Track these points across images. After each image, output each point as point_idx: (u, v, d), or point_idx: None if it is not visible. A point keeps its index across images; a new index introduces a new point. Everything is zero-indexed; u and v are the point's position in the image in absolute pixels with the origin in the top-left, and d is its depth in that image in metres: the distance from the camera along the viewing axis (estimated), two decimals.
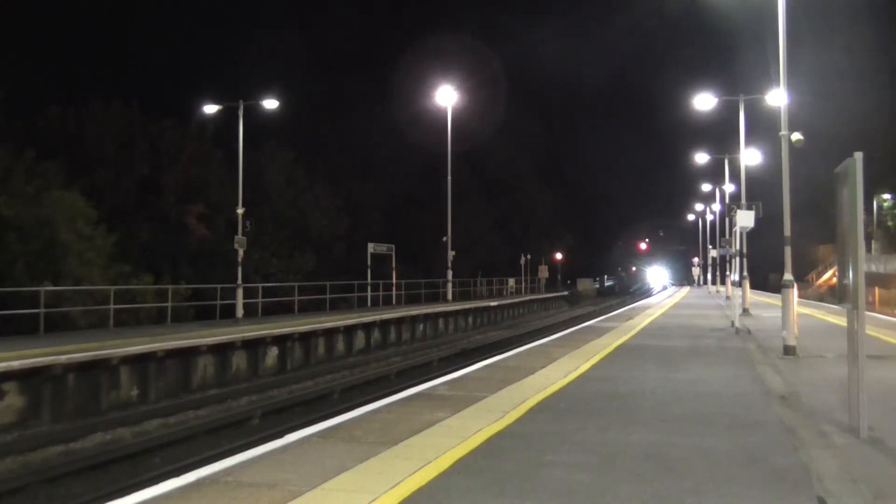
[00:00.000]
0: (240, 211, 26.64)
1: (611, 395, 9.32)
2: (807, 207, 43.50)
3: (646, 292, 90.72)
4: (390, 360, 23.07)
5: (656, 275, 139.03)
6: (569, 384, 10.12)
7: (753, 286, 32.26)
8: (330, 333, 22.85)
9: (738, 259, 30.04)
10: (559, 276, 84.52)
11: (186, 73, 62.63)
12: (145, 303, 26.54)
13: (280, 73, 56.59)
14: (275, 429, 12.52)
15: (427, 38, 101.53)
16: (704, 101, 27.34)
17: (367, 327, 25.14)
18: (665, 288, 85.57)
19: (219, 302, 25.95)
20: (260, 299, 28.06)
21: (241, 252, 26.50)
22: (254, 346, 19.21)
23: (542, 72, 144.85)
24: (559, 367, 11.79)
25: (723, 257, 49.01)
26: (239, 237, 26.54)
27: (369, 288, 35.51)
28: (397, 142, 55.50)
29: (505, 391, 9.52)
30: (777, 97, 15.78)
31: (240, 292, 26.21)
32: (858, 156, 6.77)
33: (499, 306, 41.23)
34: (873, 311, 28.13)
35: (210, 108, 27.83)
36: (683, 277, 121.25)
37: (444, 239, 37.28)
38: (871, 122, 48.65)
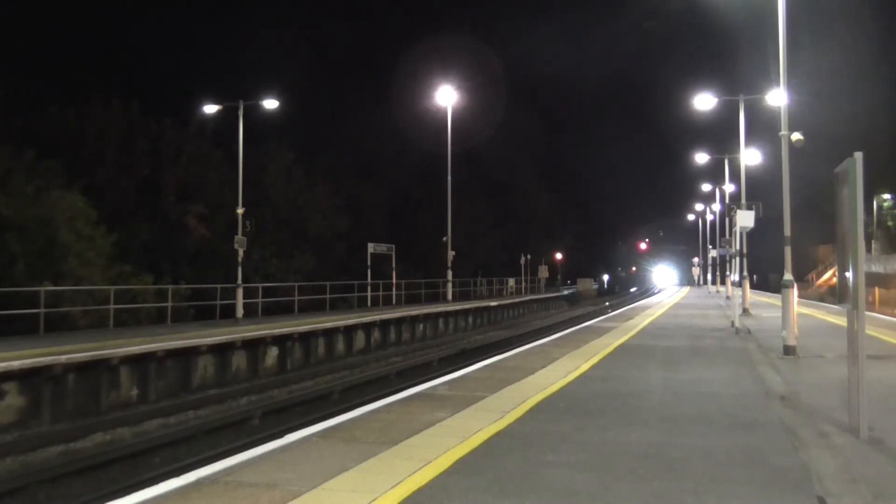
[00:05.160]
0: (240, 211, 26.64)
1: (611, 394, 9.32)
2: (807, 207, 43.54)
3: (646, 292, 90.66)
4: (390, 360, 23.07)
5: (661, 275, 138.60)
6: (569, 384, 10.11)
7: (753, 286, 32.29)
8: (330, 333, 22.85)
9: (738, 259, 30.02)
10: (559, 276, 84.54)
11: (186, 73, 62.68)
12: (145, 303, 26.54)
13: (280, 74, 56.60)
14: (275, 429, 12.52)
15: (427, 38, 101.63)
16: (704, 101, 27.32)
17: (367, 327, 25.14)
18: (663, 290, 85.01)
19: (219, 302, 25.94)
20: (260, 299, 28.06)
21: (241, 252, 26.49)
22: (254, 346, 19.21)
23: (542, 72, 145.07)
24: (559, 367, 11.79)
25: (723, 257, 49.00)
26: (239, 237, 26.53)
27: (369, 288, 35.51)
28: (397, 142, 55.57)
29: (505, 391, 9.52)
30: (777, 97, 15.78)
31: (240, 292, 26.21)
32: (858, 156, 6.77)
33: (499, 306, 41.23)
34: (873, 311, 28.12)
35: (210, 108, 27.80)
36: (683, 277, 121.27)
37: (444, 239, 37.28)
38: (871, 122, 48.70)
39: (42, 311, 18.98)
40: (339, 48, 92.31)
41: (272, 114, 28.88)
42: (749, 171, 30.90)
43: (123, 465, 10.89)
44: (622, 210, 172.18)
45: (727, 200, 40.13)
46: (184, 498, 5.21)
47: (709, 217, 67.76)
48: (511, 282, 55.53)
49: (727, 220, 34.73)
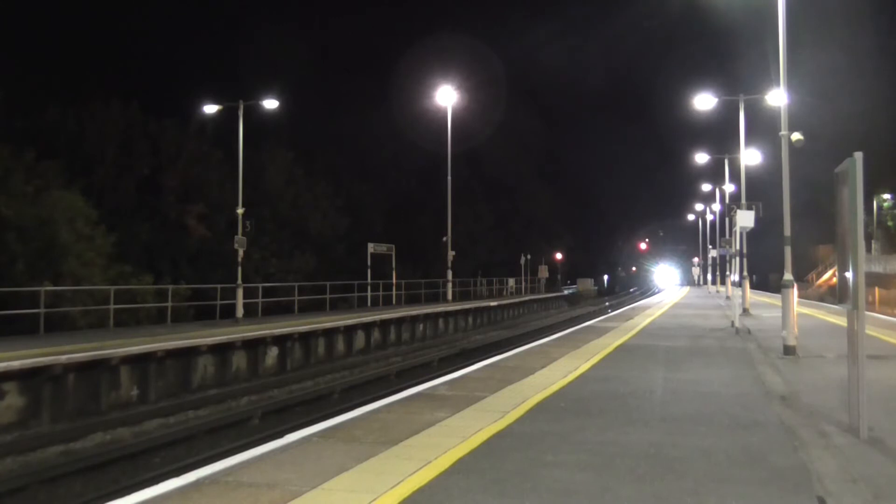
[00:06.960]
0: (240, 211, 26.62)
1: (611, 395, 9.32)
2: (807, 208, 43.58)
3: (646, 292, 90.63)
4: (390, 360, 23.06)
5: (661, 275, 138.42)
6: (568, 384, 10.11)
7: (753, 286, 32.27)
8: (330, 333, 22.85)
9: (738, 259, 30.03)
10: (559, 276, 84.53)
11: (186, 73, 62.44)
12: (145, 303, 26.54)
13: (280, 73, 56.45)
14: (275, 429, 12.52)
15: (427, 38, 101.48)
16: (704, 101, 27.29)
17: (367, 327, 25.14)
18: (663, 290, 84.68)
19: (219, 302, 25.94)
20: (260, 299, 28.05)
21: (241, 252, 26.47)
22: (254, 346, 19.21)
23: (542, 71, 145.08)
24: (559, 368, 11.79)
25: (723, 257, 48.96)
26: (239, 237, 26.52)
27: (369, 288, 35.50)
28: (397, 142, 55.50)
29: (505, 391, 9.51)
30: (777, 97, 15.77)
31: (240, 292, 26.20)
32: (858, 156, 6.77)
33: (499, 306, 41.23)
34: (873, 311, 28.13)
35: (210, 108, 27.78)
36: (684, 277, 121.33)
37: (444, 239, 37.28)
38: (871, 122, 48.71)
39: (42, 311, 18.98)
40: (339, 48, 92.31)
41: (272, 114, 28.91)
42: (749, 171, 30.89)
43: (123, 465, 10.89)
44: (622, 210, 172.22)
45: (727, 200, 40.14)
46: (184, 498, 5.21)
47: (709, 217, 67.71)
48: (511, 282, 55.52)
49: (727, 220, 34.71)
